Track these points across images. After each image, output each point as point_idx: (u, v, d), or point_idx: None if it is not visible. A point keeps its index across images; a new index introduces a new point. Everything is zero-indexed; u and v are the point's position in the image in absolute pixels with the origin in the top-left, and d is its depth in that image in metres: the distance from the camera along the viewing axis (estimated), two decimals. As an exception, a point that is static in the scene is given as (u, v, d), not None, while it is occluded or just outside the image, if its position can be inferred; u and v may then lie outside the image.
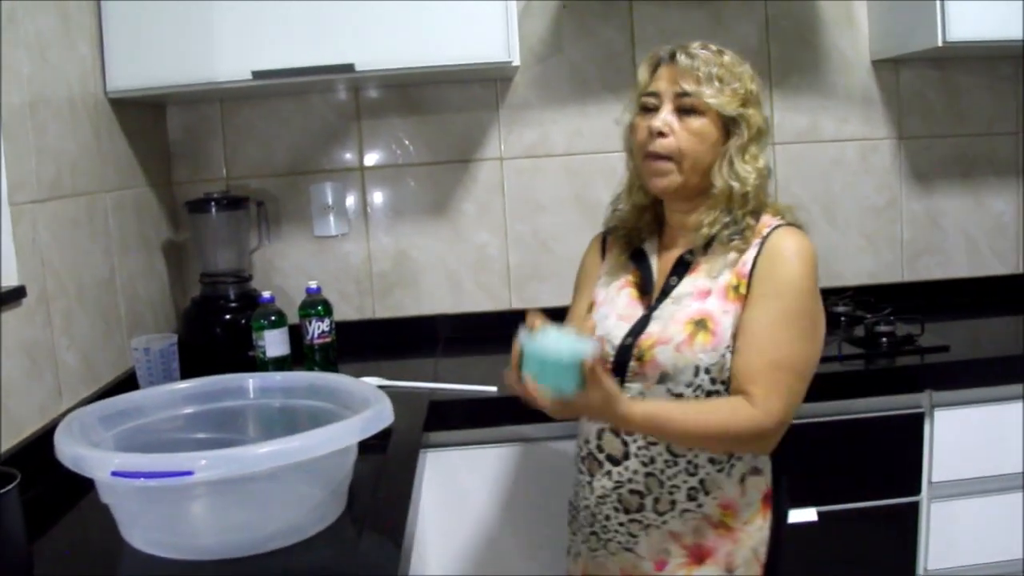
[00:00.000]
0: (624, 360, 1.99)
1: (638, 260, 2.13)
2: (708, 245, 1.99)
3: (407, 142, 3.34)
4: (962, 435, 2.73)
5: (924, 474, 2.73)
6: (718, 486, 1.97)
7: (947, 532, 2.76)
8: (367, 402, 1.84)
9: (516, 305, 3.37)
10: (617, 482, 2.02)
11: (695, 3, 3.31)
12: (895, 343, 2.84)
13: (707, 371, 1.91)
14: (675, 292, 2.01)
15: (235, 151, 3.32)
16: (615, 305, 2.09)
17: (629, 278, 2.12)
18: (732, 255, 1.96)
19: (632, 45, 3.30)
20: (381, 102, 3.33)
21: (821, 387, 2.65)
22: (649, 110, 2.00)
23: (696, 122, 1.94)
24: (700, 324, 1.93)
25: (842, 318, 3.15)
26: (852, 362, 2.77)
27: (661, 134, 1.95)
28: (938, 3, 2.86)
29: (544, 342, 1.72)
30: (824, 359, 2.72)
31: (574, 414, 1.91)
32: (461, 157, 3.35)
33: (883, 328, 2.89)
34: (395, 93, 3.31)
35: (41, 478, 1.92)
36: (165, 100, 3.18)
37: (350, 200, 3.37)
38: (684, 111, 1.95)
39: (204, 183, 3.25)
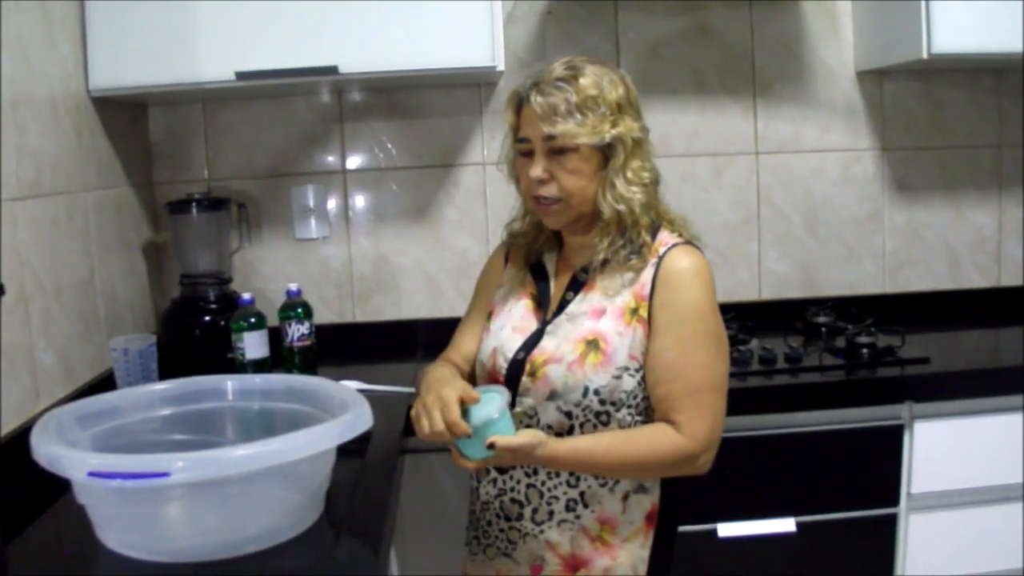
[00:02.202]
0: (516, 374, 2.00)
1: (537, 273, 2.15)
2: (605, 262, 1.99)
3: (390, 146, 3.33)
4: (941, 447, 2.73)
5: (903, 485, 2.73)
6: (598, 500, 1.98)
7: (925, 544, 2.77)
8: (346, 406, 1.82)
9: (497, 311, 3.36)
10: (500, 490, 2.05)
11: (680, 11, 3.31)
12: (875, 354, 2.85)
13: (596, 392, 1.92)
14: (570, 309, 2.02)
15: (217, 152, 3.30)
16: (511, 316, 2.11)
17: (528, 290, 2.13)
18: (629, 274, 1.97)
19: (617, 52, 3.30)
20: (364, 105, 3.32)
21: (801, 397, 2.68)
22: (525, 153, 1.99)
23: (571, 161, 1.94)
24: (592, 344, 1.94)
25: (823, 329, 3.16)
26: (832, 373, 2.77)
27: (543, 181, 1.95)
28: (923, 15, 2.88)
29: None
30: (805, 369, 2.76)
31: (498, 464, 1.97)
32: (444, 162, 3.35)
33: (864, 339, 2.90)
34: (378, 96, 3.31)
35: (17, 478, 1.91)
36: (147, 100, 3.17)
37: (331, 203, 3.36)
38: (556, 152, 1.94)
39: (185, 184, 3.24)
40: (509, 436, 1.81)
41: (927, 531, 2.77)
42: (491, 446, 1.79)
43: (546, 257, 2.16)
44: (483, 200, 3.37)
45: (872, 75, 3.41)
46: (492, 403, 1.83)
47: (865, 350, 2.87)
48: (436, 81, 3.19)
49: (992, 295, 3.56)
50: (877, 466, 2.73)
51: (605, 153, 1.95)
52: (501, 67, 2.82)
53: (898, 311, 3.37)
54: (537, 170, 1.95)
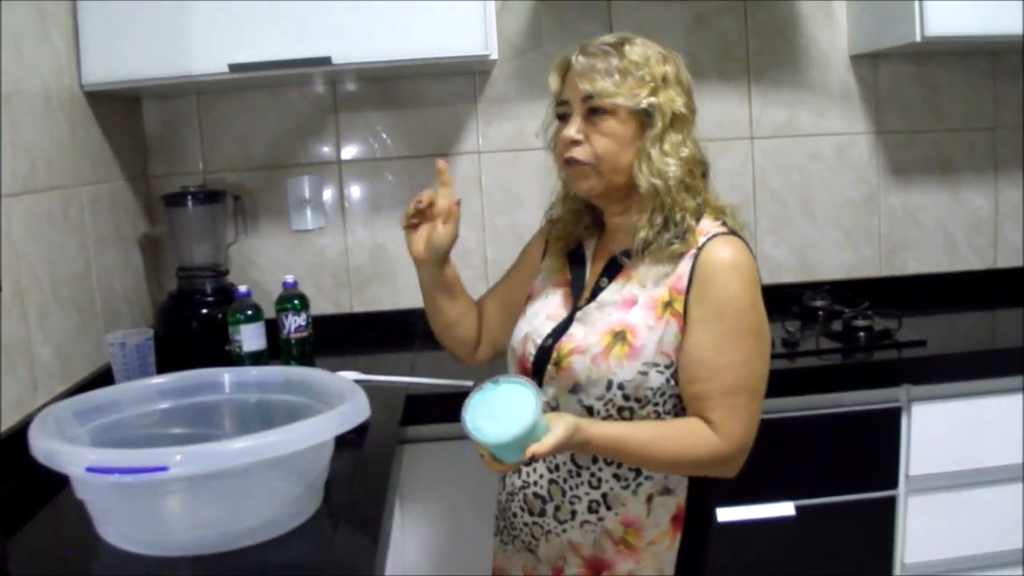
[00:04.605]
0: (542, 362, 1.95)
1: (574, 259, 2.09)
2: (646, 246, 1.90)
3: (384, 136, 3.33)
4: (939, 429, 2.74)
5: (901, 468, 2.74)
6: (621, 502, 1.91)
7: (924, 526, 2.78)
8: (343, 397, 1.83)
9: (494, 300, 3.37)
10: (524, 482, 1.99)
11: (674, -3, 3.32)
12: (872, 337, 2.86)
13: (620, 387, 1.85)
14: (601, 297, 1.95)
15: (212, 145, 3.30)
16: (547, 303, 2.05)
17: (566, 277, 2.07)
18: (667, 266, 1.88)
19: (610, 39, 3.30)
20: (358, 95, 3.32)
21: (799, 381, 2.68)
22: (563, 118, 1.95)
23: (606, 123, 1.87)
24: (619, 336, 1.86)
25: (820, 312, 3.16)
26: (830, 356, 2.78)
27: (575, 142, 1.89)
28: (916, -2, 2.88)
29: (487, 429, 1.71)
30: (802, 353, 2.76)
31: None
32: (439, 151, 3.34)
33: (861, 322, 2.90)
34: (372, 86, 3.31)
35: (15, 473, 1.91)
36: (141, 93, 3.17)
37: (327, 194, 3.36)
38: (593, 113, 1.88)
39: (180, 177, 3.24)
40: (545, 441, 1.70)
41: (925, 513, 2.77)
42: (532, 458, 1.71)
43: (586, 244, 2.09)
44: (479, 189, 3.37)
45: (866, 59, 3.41)
46: (526, 408, 1.70)
47: (862, 333, 2.87)
48: (430, 70, 3.19)
49: (988, 277, 3.56)
50: (875, 449, 2.74)
51: (643, 122, 1.88)
52: (495, 56, 2.82)
53: (895, 294, 3.37)
54: (571, 130, 1.89)
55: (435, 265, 2.15)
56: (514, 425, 1.67)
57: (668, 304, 1.85)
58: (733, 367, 1.82)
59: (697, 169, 1.93)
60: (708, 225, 1.90)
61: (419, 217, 2.10)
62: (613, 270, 1.97)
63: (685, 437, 1.82)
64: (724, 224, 1.91)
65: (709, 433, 1.81)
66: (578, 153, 1.90)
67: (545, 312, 2.03)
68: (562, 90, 1.96)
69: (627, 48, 1.89)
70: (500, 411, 1.71)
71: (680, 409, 1.89)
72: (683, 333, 1.84)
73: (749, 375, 1.84)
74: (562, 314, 2.00)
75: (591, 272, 2.04)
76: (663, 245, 1.87)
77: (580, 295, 2.01)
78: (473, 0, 2.75)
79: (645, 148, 1.87)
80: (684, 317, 1.84)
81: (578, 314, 1.96)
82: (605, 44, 1.89)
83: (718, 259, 1.84)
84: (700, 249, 1.85)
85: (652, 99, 1.86)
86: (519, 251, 2.28)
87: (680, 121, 1.90)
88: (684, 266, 1.86)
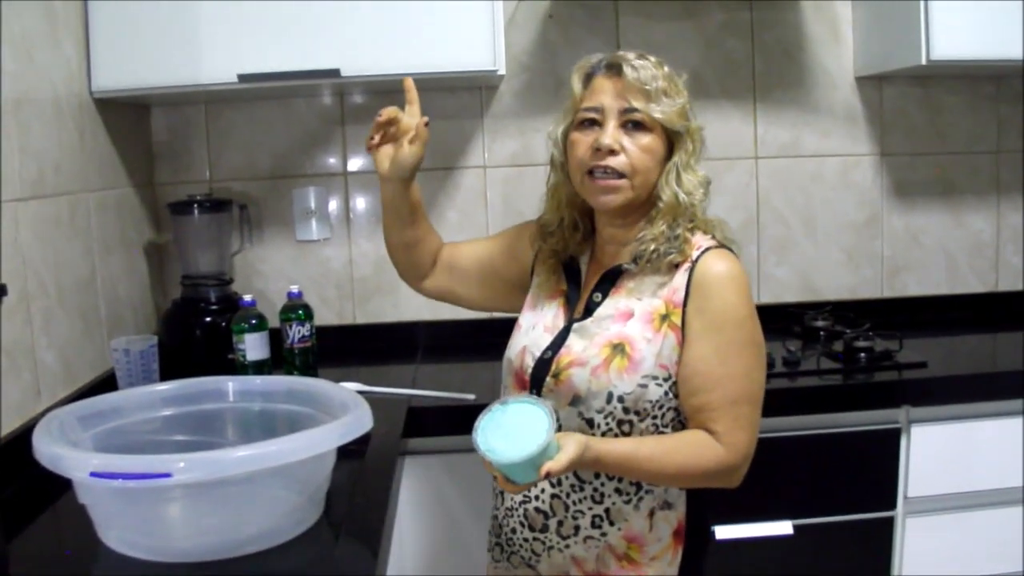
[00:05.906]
0: (541, 375, 1.94)
1: (569, 271, 2.08)
2: (637, 262, 1.92)
3: (391, 148, 3.33)
4: (938, 451, 2.74)
5: (900, 489, 2.74)
6: (624, 517, 1.91)
7: (922, 547, 2.78)
8: (346, 407, 1.83)
9: (496, 314, 3.36)
10: (525, 496, 1.97)
11: (680, 15, 3.32)
12: (873, 358, 2.86)
13: (620, 399, 1.85)
14: (598, 311, 1.94)
15: (219, 154, 3.31)
16: (543, 315, 2.04)
17: (561, 288, 2.07)
18: (661, 278, 1.89)
19: (617, 56, 3.31)
20: (366, 107, 3.32)
21: (799, 401, 2.69)
22: (588, 124, 1.92)
23: (645, 138, 1.87)
24: (618, 348, 1.87)
25: (821, 333, 3.17)
26: (830, 377, 2.78)
27: (612, 152, 1.87)
28: (922, 22, 2.88)
29: (501, 449, 1.68)
30: (803, 373, 2.76)
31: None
32: (445, 164, 3.35)
33: (862, 343, 2.90)
34: (380, 99, 3.29)
35: (18, 477, 1.92)
36: (150, 101, 3.18)
37: (333, 205, 3.37)
38: (631, 126, 1.88)
39: (187, 185, 3.24)
40: (559, 458, 1.69)
41: (923, 535, 2.78)
42: (546, 475, 1.67)
43: (580, 258, 2.08)
44: (484, 203, 3.38)
45: (872, 81, 3.42)
46: (539, 426, 1.68)
47: (863, 354, 2.88)
48: (437, 84, 3.20)
49: (989, 300, 3.57)
50: (874, 470, 2.74)
51: (671, 144, 1.90)
52: (502, 71, 2.83)
53: (896, 316, 3.38)
54: (608, 137, 1.86)
55: (400, 184, 2.10)
56: (529, 444, 1.65)
57: (665, 317, 1.86)
58: (735, 378, 1.83)
59: (706, 188, 1.94)
60: (700, 239, 1.92)
61: (382, 137, 2.07)
62: (607, 285, 1.97)
63: (691, 449, 1.82)
64: (714, 238, 1.93)
65: (714, 444, 1.81)
66: (615, 162, 1.87)
67: (542, 324, 2.03)
68: (588, 96, 1.94)
69: (666, 69, 1.91)
70: (512, 431, 1.70)
71: (678, 422, 1.90)
72: (681, 346, 1.86)
73: (750, 385, 1.85)
74: (559, 326, 2.00)
75: (585, 285, 2.04)
76: (662, 254, 1.88)
77: (576, 307, 2.01)
78: (482, 15, 2.76)
79: (676, 167, 1.89)
80: (683, 330, 1.85)
81: (575, 326, 1.96)
82: (646, 60, 1.90)
83: (715, 272, 1.86)
84: (695, 262, 1.87)
85: (686, 123, 1.90)
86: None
87: (701, 148, 1.94)
88: (680, 279, 1.87)
